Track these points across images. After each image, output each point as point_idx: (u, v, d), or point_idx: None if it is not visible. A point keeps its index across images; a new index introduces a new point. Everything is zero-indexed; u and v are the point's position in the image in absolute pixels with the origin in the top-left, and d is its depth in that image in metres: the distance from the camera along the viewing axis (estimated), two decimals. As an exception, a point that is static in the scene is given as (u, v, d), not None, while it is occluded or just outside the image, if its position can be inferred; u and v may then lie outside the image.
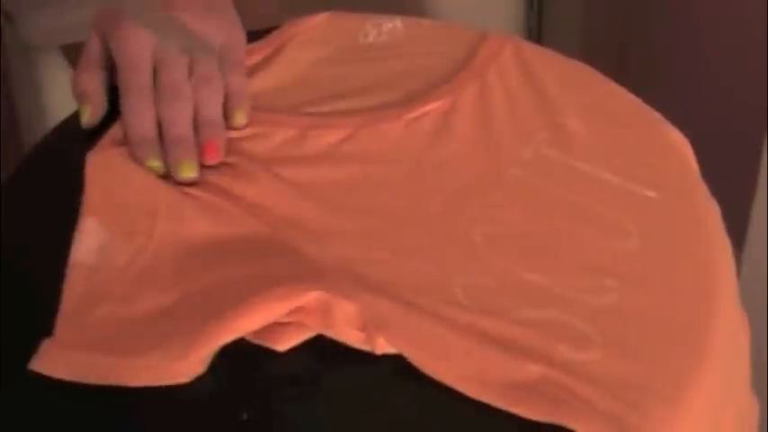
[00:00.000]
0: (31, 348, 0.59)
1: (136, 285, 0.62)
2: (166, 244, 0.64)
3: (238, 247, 0.64)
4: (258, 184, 0.68)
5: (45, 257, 0.65)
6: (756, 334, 0.73)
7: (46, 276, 0.64)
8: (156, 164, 0.69)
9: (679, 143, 0.74)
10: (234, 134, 0.72)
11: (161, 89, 0.72)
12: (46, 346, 0.59)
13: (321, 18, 0.83)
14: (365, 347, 0.60)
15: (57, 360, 0.58)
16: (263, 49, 0.80)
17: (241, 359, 0.59)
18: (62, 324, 0.60)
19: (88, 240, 0.64)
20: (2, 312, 0.62)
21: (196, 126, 0.71)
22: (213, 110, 0.72)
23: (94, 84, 0.73)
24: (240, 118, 0.73)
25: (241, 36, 0.77)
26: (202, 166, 0.69)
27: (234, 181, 0.68)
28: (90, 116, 0.72)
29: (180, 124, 0.71)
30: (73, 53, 1.10)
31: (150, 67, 0.72)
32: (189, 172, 0.69)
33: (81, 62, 0.74)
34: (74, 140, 0.73)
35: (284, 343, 0.60)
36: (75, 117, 0.76)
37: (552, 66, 0.78)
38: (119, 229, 0.65)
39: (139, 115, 0.71)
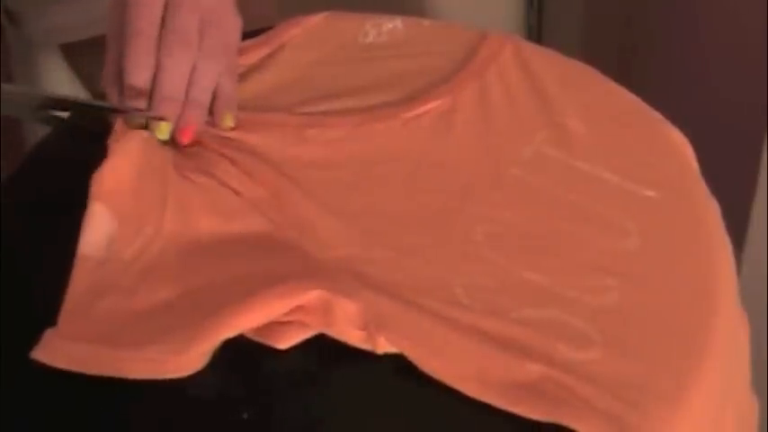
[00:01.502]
0: (29, 347, 0.59)
1: (141, 278, 0.62)
2: (173, 237, 0.65)
3: (242, 243, 0.64)
4: (259, 182, 0.68)
5: (45, 257, 0.65)
6: (756, 334, 0.73)
7: (46, 276, 0.64)
8: (140, 121, 0.69)
9: (679, 143, 0.74)
10: (234, 133, 0.72)
11: (168, 32, 0.70)
12: (48, 335, 0.59)
13: (320, 18, 0.83)
14: (366, 346, 0.60)
15: (58, 350, 0.58)
16: (261, 48, 0.80)
17: (242, 358, 0.59)
18: (66, 314, 0.60)
19: (97, 230, 0.64)
20: (1, 312, 0.62)
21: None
22: (204, 90, 0.71)
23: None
24: (229, 121, 0.72)
25: (238, 40, 0.77)
26: (203, 159, 0.69)
27: (236, 177, 0.68)
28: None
29: (174, 78, 0.70)
30: (73, 52, 1.10)
31: (161, 8, 0.71)
32: (163, 135, 0.69)
33: (106, 58, 0.74)
34: (75, 140, 0.73)
35: (285, 341, 0.60)
36: (76, 116, 0.76)
37: (552, 65, 0.78)
38: (128, 217, 0.65)
39: (139, 62, 0.69)
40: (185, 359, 0.58)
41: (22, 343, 0.59)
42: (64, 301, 0.61)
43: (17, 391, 0.59)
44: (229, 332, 0.59)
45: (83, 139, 0.71)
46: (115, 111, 0.71)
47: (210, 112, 0.73)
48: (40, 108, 0.73)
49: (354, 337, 0.60)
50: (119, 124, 0.70)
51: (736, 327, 0.67)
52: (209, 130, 0.72)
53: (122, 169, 0.67)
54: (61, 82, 1.12)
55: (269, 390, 0.59)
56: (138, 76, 0.70)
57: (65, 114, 0.73)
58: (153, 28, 0.70)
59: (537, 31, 1.46)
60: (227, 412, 0.57)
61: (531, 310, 0.61)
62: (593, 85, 0.78)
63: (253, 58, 0.79)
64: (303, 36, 0.81)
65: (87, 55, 0.75)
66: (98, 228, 0.64)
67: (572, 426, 0.55)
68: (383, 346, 0.59)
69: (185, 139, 0.70)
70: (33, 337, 0.59)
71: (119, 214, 0.65)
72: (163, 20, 0.71)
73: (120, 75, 0.71)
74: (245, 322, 0.59)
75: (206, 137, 0.71)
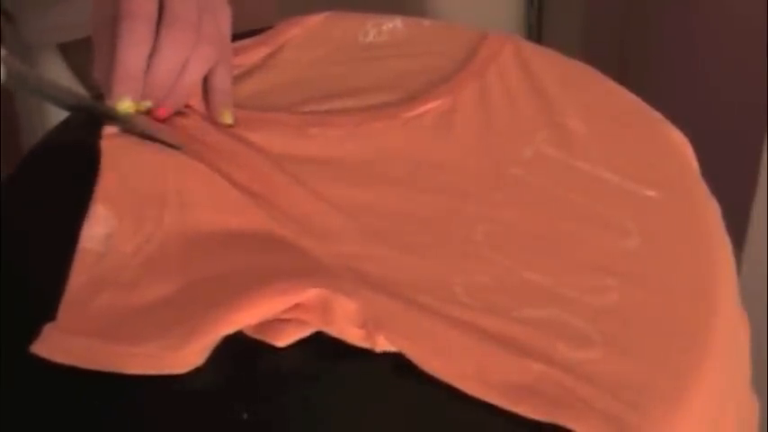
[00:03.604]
0: (28, 342, 0.58)
1: (140, 273, 0.62)
2: (173, 232, 0.65)
3: (242, 239, 0.64)
4: (260, 179, 0.68)
5: (45, 256, 0.65)
6: (756, 334, 0.73)
7: (46, 275, 0.64)
8: (127, 105, 0.68)
9: (679, 142, 0.74)
10: (235, 131, 0.72)
11: (170, 17, 0.69)
12: (48, 329, 0.59)
13: (320, 18, 0.83)
14: (365, 345, 0.59)
15: (57, 344, 0.58)
16: (261, 48, 0.80)
17: (240, 356, 0.59)
18: (65, 309, 0.60)
19: (97, 226, 0.64)
20: (2, 311, 0.62)
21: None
22: (195, 77, 0.71)
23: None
24: (228, 118, 0.72)
25: (230, 30, 0.76)
26: (204, 155, 0.69)
27: (237, 174, 0.68)
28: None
29: (171, 62, 0.69)
30: (71, 52, 1.10)
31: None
32: (126, 110, 0.69)
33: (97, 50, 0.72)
34: (74, 139, 0.73)
35: (284, 339, 0.60)
36: (75, 116, 0.76)
37: (552, 65, 0.78)
38: (128, 215, 0.65)
39: (134, 44, 0.68)
40: (183, 355, 0.58)
41: (21, 337, 0.59)
42: (63, 295, 0.61)
43: (15, 384, 0.58)
44: (228, 328, 0.58)
45: (83, 138, 0.71)
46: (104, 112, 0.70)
47: (208, 107, 0.73)
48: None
49: (353, 336, 0.60)
50: (108, 126, 0.70)
51: (736, 327, 0.67)
52: (210, 127, 0.72)
53: (122, 169, 0.67)
54: (59, 81, 1.11)
55: (267, 388, 0.59)
56: (134, 56, 0.68)
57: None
58: (153, 11, 0.69)
59: (537, 31, 1.47)
60: (224, 410, 0.57)
61: (530, 310, 0.61)
62: (593, 85, 0.78)
63: (253, 57, 0.79)
64: (303, 36, 0.82)
65: (85, 54, 0.75)
66: (98, 223, 0.65)
67: (571, 426, 0.55)
68: (382, 345, 0.59)
69: (160, 117, 0.70)
70: (32, 332, 0.59)
71: (119, 213, 0.65)
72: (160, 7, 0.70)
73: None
74: (243, 319, 0.59)
75: (207, 133, 0.71)
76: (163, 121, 0.71)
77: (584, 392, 0.57)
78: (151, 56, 0.69)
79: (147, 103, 0.70)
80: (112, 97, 0.69)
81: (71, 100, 0.72)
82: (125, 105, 0.69)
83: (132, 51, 0.68)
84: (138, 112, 0.70)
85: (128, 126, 0.70)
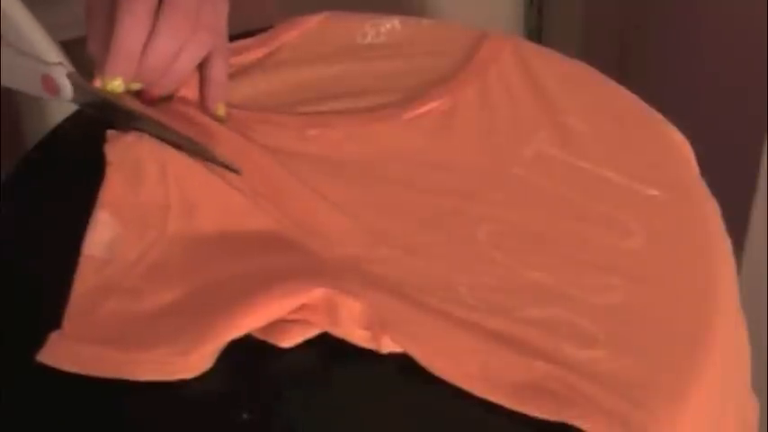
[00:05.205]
0: (33, 347, 0.58)
1: (145, 279, 0.62)
2: (178, 237, 0.64)
3: (247, 242, 0.64)
4: (264, 181, 0.68)
5: (45, 259, 0.65)
6: (756, 334, 0.73)
7: (46, 279, 0.63)
8: (117, 84, 0.68)
9: (679, 143, 0.74)
10: (235, 132, 0.72)
11: (169, 3, 0.69)
12: (54, 337, 0.59)
13: (319, 18, 0.83)
14: (370, 346, 0.59)
15: (64, 352, 0.58)
16: (260, 48, 0.80)
17: (244, 357, 0.59)
18: (71, 316, 0.60)
19: (101, 233, 0.64)
20: (2, 311, 0.62)
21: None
22: (189, 62, 0.71)
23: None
24: (221, 110, 0.73)
25: (226, 24, 0.75)
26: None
27: (240, 176, 0.68)
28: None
29: (168, 47, 0.69)
30: (71, 50, 1.10)
31: None
32: (115, 89, 0.69)
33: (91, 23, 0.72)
34: (74, 140, 0.73)
35: (289, 340, 0.60)
36: (75, 117, 0.76)
37: (553, 65, 0.78)
38: (132, 223, 0.65)
39: (133, 26, 0.68)
40: (192, 360, 0.58)
41: (25, 345, 0.59)
42: (68, 302, 0.61)
43: (19, 392, 0.58)
44: (236, 332, 0.59)
45: (83, 140, 0.71)
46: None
47: (203, 99, 0.73)
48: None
49: (359, 337, 0.60)
50: (110, 133, 0.70)
51: (736, 326, 0.67)
52: (213, 127, 0.72)
53: (125, 173, 0.67)
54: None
55: (270, 389, 0.59)
56: (132, 38, 0.68)
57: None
58: None
59: (537, 31, 1.47)
60: (227, 412, 0.57)
61: (535, 309, 0.61)
62: (593, 85, 0.78)
63: (251, 58, 0.79)
64: (302, 36, 0.81)
65: (84, 52, 0.75)
66: (102, 229, 0.64)
67: (577, 424, 0.55)
68: (387, 346, 0.59)
69: (151, 99, 0.71)
70: (36, 339, 0.59)
71: (123, 219, 0.65)
72: None
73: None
74: (251, 322, 0.59)
75: (209, 136, 0.71)
76: (152, 103, 0.71)
77: (590, 391, 0.57)
78: (148, 39, 0.69)
79: (137, 85, 0.70)
80: (105, 76, 0.69)
81: (136, 120, 0.72)
82: (115, 84, 0.69)
83: (131, 33, 0.68)
84: (129, 92, 0.70)
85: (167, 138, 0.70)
